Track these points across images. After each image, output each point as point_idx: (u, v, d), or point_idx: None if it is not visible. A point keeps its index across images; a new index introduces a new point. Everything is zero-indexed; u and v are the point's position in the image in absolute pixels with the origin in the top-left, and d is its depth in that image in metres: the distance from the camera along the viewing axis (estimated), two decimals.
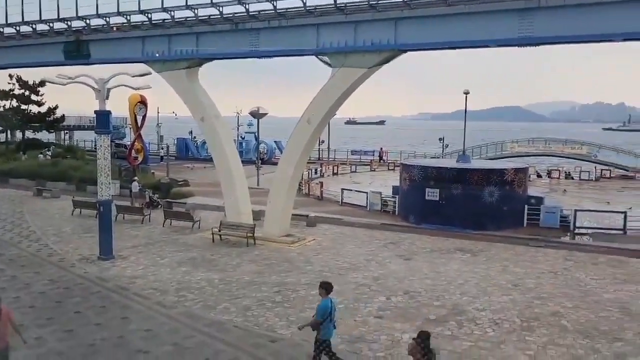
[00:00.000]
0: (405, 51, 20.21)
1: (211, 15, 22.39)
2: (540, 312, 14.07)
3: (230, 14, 22.07)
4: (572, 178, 46.76)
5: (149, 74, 20.26)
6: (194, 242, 21.64)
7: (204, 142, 54.92)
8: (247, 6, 21.28)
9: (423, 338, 7.68)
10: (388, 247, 21.21)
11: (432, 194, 26.19)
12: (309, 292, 15.39)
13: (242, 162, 25.47)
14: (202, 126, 23.74)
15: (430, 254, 20.23)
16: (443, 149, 61.48)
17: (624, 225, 24.81)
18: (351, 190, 33.44)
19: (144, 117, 31.80)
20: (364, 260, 19.09)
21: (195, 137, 67.29)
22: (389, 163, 54.93)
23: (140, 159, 33.93)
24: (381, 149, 67.16)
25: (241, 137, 60.69)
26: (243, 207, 23.33)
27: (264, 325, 12.83)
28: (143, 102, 30.95)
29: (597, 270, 18.20)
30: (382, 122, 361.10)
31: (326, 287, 10.03)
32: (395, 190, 29.79)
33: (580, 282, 16.75)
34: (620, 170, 48.89)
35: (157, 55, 23.75)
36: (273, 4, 20.85)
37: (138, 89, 20.61)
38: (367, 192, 31.25)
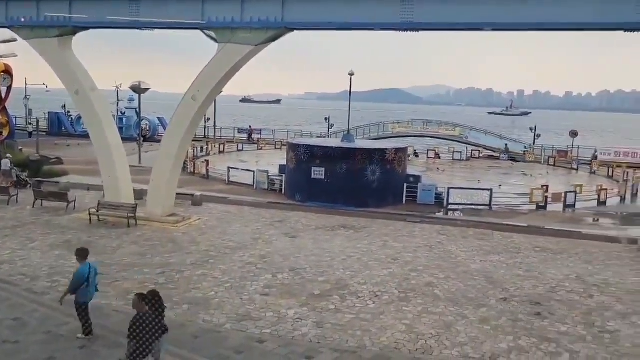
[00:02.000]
0: (293, 30, 20.22)
1: None
2: (416, 283, 15.02)
3: None
4: (439, 157, 49.80)
5: (15, 40, 18.54)
6: (68, 223, 20.31)
7: (80, 117, 51.44)
8: None
9: (154, 295, 8.83)
10: (274, 225, 21.40)
11: (318, 172, 26.73)
12: (194, 272, 15.16)
13: (123, 139, 24.19)
14: (77, 100, 22.16)
15: (316, 231, 20.72)
16: (329, 128, 62.84)
17: (490, 201, 27.09)
18: (238, 169, 33.16)
19: (9, 88, 28.95)
20: (251, 238, 19.12)
21: (69, 112, 62.80)
22: (275, 142, 55.01)
23: (5, 134, 31.10)
24: (250, 127, 67.06)
25: (121, 112, 57.60)
26: (123, 186, 22.25)
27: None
28: (8, 72, 28.09)
29: (466, 243, 19.75)
30: (278, 101, 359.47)
31: (81, 254, 10.84)
32: (282, 169, 30.01)
33: (451, 255, 18.09)
34: (488, 151, 53.11)
35: (22, 20, 21.66)
36: None
37: (1, 57, 18.73)
38: (254, 171, 31.18)
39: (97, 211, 20.74)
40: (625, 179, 34.15)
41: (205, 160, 36.65)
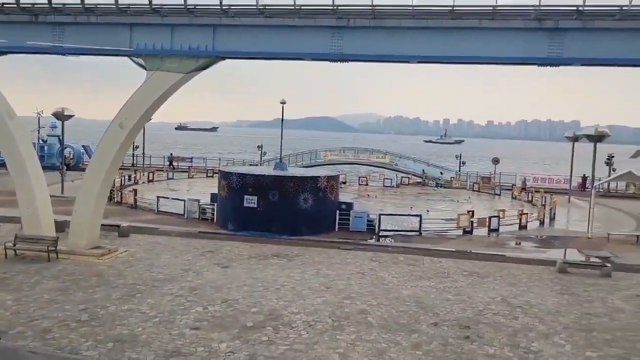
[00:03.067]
0: (224, 58, 20.23)
1: (5, 3, 19.93)
2: (349, 311, 15.05)
3: (29, 3, 19.91)
4: (367, 184, 50.61)
5: None
6: None
7: None
8: None
9: None
10: (206, 255, 20.92)
11: (250, 201, 26.50)
12: (120, 307, 14.48)
13: (45, 167, 23.10)
14: None
15: (248, 260, 20.43)
16: (261, 156, 62.76)
17: (420, 227, 27.79)
18: (168, 198, 32.35)
19: None
20: (181, 270, 18.56)
21: None
22: (207, 170, 54.19)
23: None
24: (171, 154, 65.60)
25: (42, 140, 55.05)
26: (44, 217, 21.04)
27: (67, 348, 11.71)
28: None
29: (398, 269, 20.08)
30: (214, 129, 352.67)
31: None
32: (214, 197, 29.55)
33: (383, 281, 18.31)
34: (416, 178, 54.66)
35: None
36: None
37: None
38: (184, 200, 30.50)
39: (14, 245, 19.50)
40: (543, 203, 36.05)
41: (133, 189, 35.53)
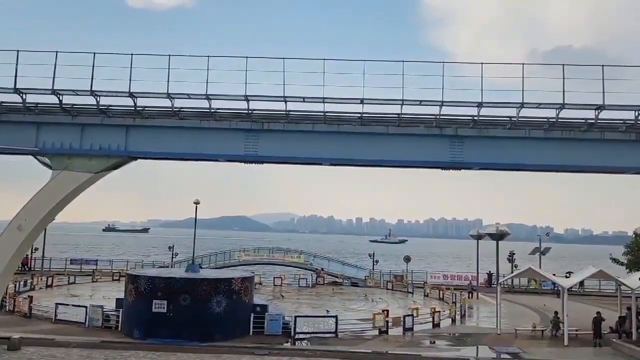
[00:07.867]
0: (136, 158, 19.96)
1: None
2: None
3: None
4: (282, 285, 49.83)
5: None
6: None
7: None
8: None
9: None
10: None
11: (160, 305, 25.08)
12: None
13: None
14: None
15: None
16: (172, 257, 60.65)
17: (336, 328, 27.35)
18: (68, 304, 29.94)
19: None
20: None
21: None
22: (113, 273, 51.20)
23: None
24: (26, 255, 59.02)
25: None
26: None
27: None
28: None
29: None
30: (146, 230, 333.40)
31: None
32: (120, 303, 27.71)
33: None
34: (331, 277, 54.60)
35: None
36: None
37: None
38: (86, 307, 28.34)
39: None
40: (454, 300, 36.96)
41: (29, 295, 32.67)
